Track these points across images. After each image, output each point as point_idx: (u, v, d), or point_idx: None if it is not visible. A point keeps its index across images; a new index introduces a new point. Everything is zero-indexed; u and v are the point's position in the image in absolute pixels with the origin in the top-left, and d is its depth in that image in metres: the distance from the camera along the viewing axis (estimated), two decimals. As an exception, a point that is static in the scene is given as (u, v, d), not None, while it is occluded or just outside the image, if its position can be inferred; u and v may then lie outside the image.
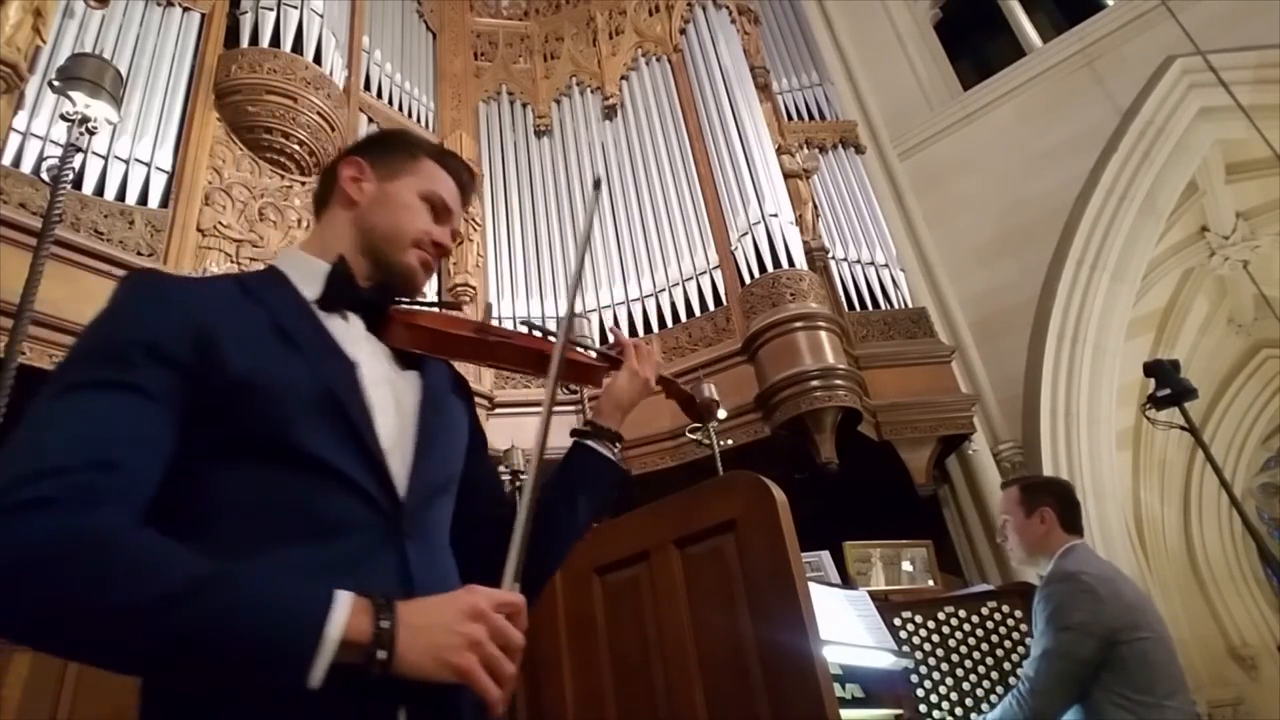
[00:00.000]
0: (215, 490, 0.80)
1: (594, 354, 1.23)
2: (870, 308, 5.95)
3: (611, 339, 1.25)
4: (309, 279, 0.99)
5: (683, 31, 6.87)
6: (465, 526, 1.00)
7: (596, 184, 1.33)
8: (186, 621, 0.65)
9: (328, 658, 0.67)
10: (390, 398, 0.93)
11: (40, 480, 0.68)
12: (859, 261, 6.14)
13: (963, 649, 2.48)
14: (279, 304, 0.93)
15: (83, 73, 3.27)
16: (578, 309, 6.10)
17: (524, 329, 1.17)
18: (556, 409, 0.97)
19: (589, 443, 1.11)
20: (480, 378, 5.34)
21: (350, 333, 0.97)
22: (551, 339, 1.10)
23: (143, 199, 4.55)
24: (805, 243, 5.70)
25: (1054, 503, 2.27)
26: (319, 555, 0.79)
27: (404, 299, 1.05)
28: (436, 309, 1.08)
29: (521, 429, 4.89)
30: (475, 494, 1.05)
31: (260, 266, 4.84)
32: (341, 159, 1.07)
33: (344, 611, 0.69)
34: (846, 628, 2.24)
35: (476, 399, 1.24)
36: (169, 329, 0.82)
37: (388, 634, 0.69)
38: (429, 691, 0.74)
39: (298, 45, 5.45)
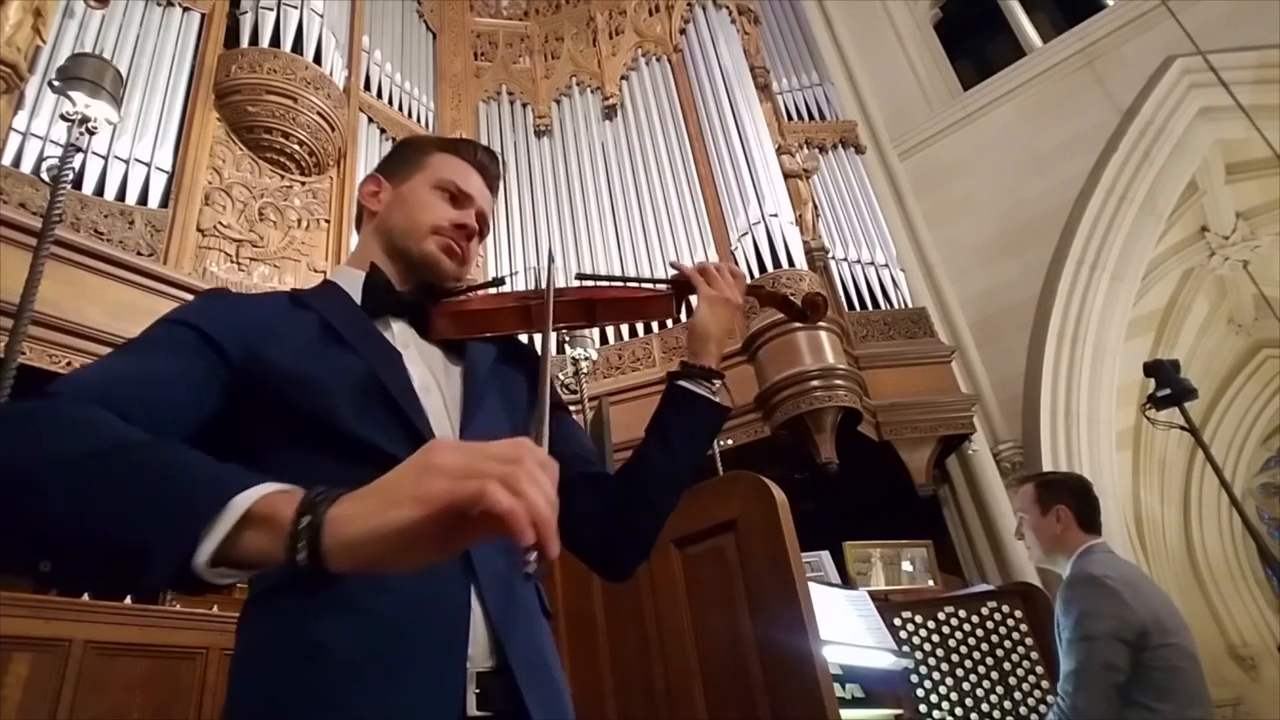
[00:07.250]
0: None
1: (645, 286, 1.15)
2: (870, 308, 5.94)
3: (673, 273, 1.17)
4: (354, 289, 1.04)
5: (683, 31, 6.87)
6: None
7: (550, 258, 1.34)
8: (99, 475, 0.61)
9: (227, 525, 0.56)
10: (434, 385, 0.97)
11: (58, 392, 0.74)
12: (859, 261, 6.13)
13: (963, 649, 2.48)
14: (330, 308, 0.99)
15: (83, 73, 3.27)
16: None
17: (578, 283, 1.15)
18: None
19: (681, 382, 1.06)
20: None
21: (399, 338, 1.01)
22: (601, 285, 1.12)
23: (143, 199, 4.54)
24: (805, 242, 5.69)
25: (1070, 500, 2.20)
26: None
27: (449, 295, 1.08)
28: (478, 291, 1.10)
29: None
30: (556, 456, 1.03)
31: (261, 266, 4.78)
32: (364, 183, 1.14)
33: (271, 488, 0.59)
34: (846, 628, 2.23)
35: None
36: (220, 327, 0.89)
37: (325, 498, 0.56)
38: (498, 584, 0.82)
39: (298, 45, 5.45)
